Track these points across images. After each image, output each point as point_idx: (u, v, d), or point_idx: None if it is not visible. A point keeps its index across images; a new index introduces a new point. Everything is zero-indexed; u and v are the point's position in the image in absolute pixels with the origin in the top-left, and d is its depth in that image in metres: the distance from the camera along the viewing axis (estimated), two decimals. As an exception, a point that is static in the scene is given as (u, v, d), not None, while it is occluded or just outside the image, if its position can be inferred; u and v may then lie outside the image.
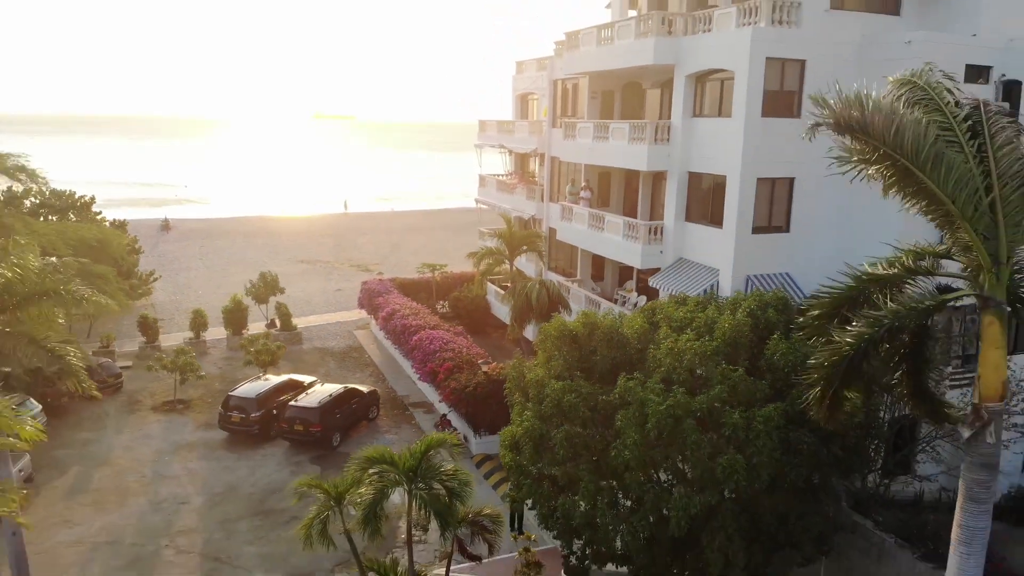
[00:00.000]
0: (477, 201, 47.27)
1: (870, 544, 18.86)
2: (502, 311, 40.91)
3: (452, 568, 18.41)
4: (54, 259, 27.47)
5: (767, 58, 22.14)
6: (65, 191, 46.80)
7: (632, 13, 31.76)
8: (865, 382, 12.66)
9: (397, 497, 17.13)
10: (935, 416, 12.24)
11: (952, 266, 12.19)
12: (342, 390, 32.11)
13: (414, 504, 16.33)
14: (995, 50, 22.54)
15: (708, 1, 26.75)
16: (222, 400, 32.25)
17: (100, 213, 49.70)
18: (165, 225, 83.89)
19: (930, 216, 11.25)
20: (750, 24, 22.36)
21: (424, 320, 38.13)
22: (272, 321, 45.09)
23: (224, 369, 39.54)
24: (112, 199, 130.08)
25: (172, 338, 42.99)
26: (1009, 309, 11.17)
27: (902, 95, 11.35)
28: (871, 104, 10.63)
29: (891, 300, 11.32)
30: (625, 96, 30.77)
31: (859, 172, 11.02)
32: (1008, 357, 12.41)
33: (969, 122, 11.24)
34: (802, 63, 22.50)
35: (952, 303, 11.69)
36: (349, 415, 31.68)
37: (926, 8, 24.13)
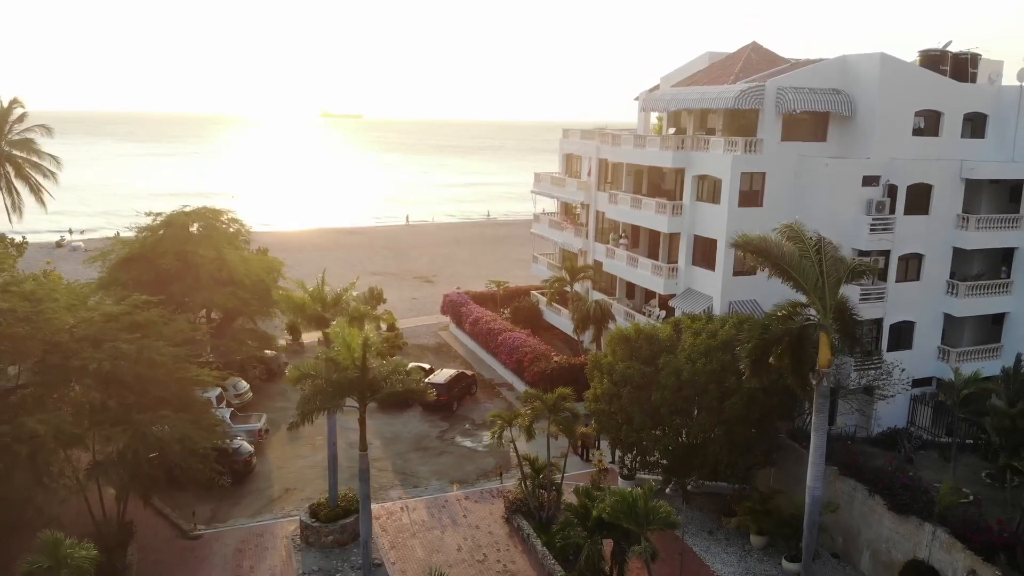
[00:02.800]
0: (532, 234, 61.75)
1: (798, 457, 33.44)
2: (552, 317, 55.75)
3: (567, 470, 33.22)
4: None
5: (742, 172, 36.87)
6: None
7: (653, 117, 46.46)
8: (776, 362, 27.17)
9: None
10: (801, 382, 26.79)
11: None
12: (456, 372, 46.93)
13: (552, 424, 31.08)
14: (881, 165, 37.18)
15: (707, 123, 41.45)
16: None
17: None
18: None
19: (794, 287, 25.91)
20: (732, 151, 37.10)
21: (502, 325, 52.93)
22: (378, 324, 59.85)
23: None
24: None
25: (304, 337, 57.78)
26: (833, 328, 25.80)
27: (786, 233, 26.02)
28: (767, 240, 25.34)
29: (780, 324, 25.96)
30: (650, 175, 45.46)
31: (763, 268, 25.72)
32: (883, 350, 27.22)
33: (816, 246, 25.89)
34: (764, 174, 37.21)
35: (808, 324, 26.28)
36: (462, 389, 46.51)
37: (842, 138, 38.68)
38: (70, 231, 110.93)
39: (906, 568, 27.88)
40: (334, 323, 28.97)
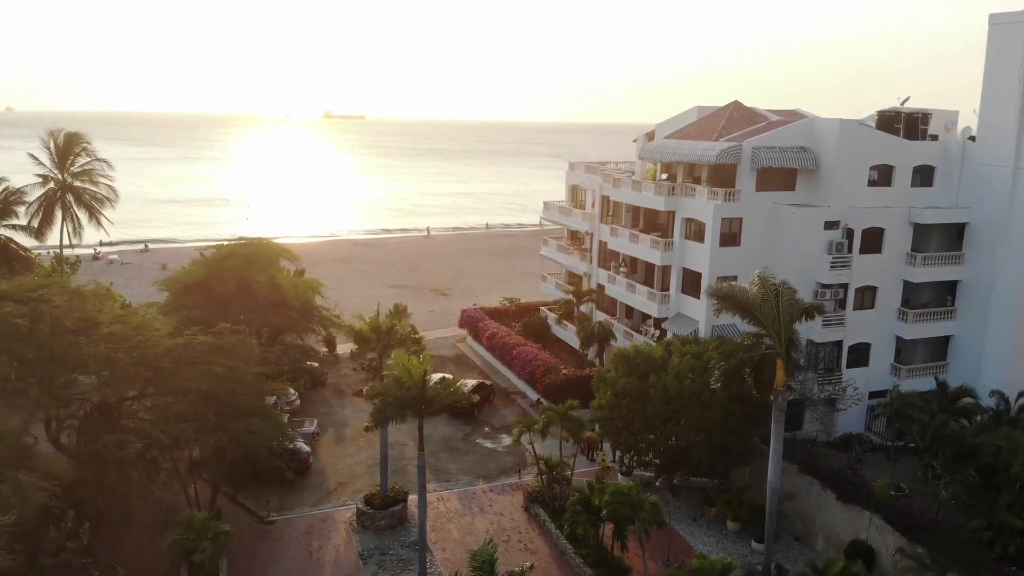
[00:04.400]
0: (542, 255, 68.59)
1: (767, 458, 40.17)
2: (559, 332, 62.63)
3: (575, 467, 40.13)
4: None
5: (722, 217, 43.77)
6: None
7: (648, 163, 53.38)
8: (741, 382, 34.02)
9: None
10: (764, 395, 33.64)
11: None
12: (477, 382, 53.80)
13: (563, 428, 37.97)
14: (841, 212, 44.04)
15: (695, 171, 48.30)
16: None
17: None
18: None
19: (754, 325, 32.74)
20: (714, 199, 43.99)
21: (516, 340, 59.82)
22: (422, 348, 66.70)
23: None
24: (195, 220, 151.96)
25: (338, 349, 64.61)
26: (784, 356, 32.64)
27: (755, 283, 32.90)
28: (736, 288, 32.23)
29: (745, 352, 32.79)
30: (646, 213, 52.26)
31: (728, 311, 32.64)
32: (843, 368, 34.47)
33: (776, 291, 32.75)
34: (741, 218, 44.09)
35: (768, 352, 33.11)
36: (483, 397, 53.37)
37: (808, 188, 45.43)
38: (101, 243, 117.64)
39: (849, 547, 34.71)
40: (394, 352, 35.69)
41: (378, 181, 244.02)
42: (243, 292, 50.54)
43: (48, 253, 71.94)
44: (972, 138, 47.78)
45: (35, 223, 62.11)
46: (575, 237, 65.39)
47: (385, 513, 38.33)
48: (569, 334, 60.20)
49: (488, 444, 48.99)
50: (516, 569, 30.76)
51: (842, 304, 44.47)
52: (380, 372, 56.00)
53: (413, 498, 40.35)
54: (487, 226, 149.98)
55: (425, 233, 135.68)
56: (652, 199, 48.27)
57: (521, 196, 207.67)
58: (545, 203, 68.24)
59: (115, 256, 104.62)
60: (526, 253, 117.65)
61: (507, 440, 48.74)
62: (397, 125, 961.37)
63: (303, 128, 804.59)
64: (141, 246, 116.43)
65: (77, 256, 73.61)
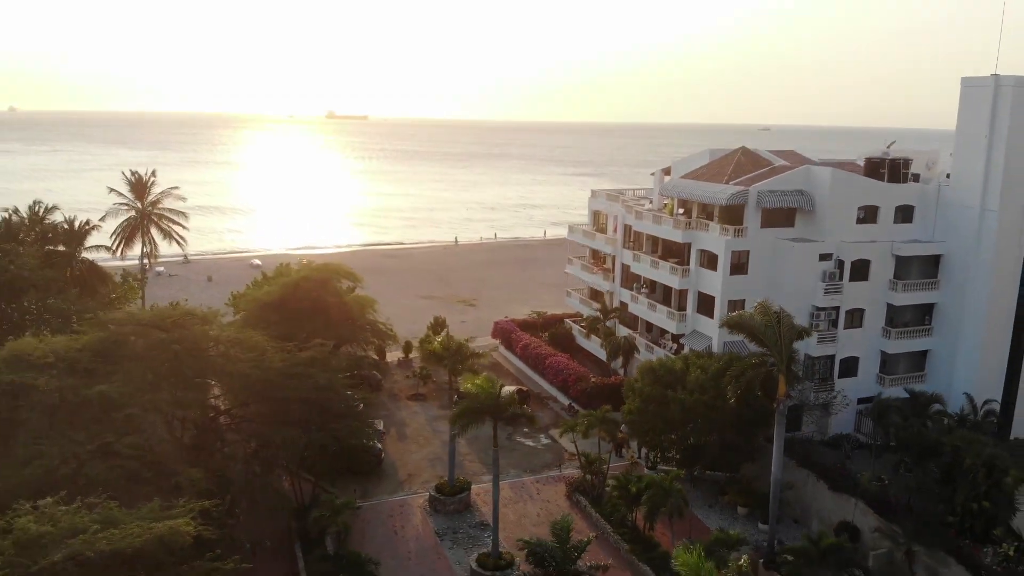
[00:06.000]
0: (567, 272, 76.43)
1: (771, 454, 48.00)
2: (583, 342, 70.37)
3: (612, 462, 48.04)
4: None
5: (732, 250, 51.60)
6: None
7: (666, 197, 61.20)
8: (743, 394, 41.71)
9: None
10: (769, 403, 41.43)
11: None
12: (516, 388, 61.37)
13: (601, 429, 45.82)
14: (833, 246, 51.82)
15: (708, 208, 56.05)
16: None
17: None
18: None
19: (759, 346, 40.55)
20: (725, 235, 51.81)
21: (547, 350, 67.61)
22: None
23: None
24: (215, 229, 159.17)
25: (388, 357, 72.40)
26: (786, 371, 40.43)
27: (758, 310, 40.70)
28: (745, 315, 40.05)
29: (753, 369, 40.58)
30: (665, 241, 60.10)
31: (739, 335, 40.43)
32: (836, 378, 42.68)
33: (777, 318, 40.52)
34: (748, 251, 51.93)
35: (772, 368, 40.89)
36: (522, 401, 61.10)
37: (805, 225, 53.11)
38: (144, 254, 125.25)
39: (838, 526, 42.50)
40: (468, 375, 43.51)
41: (390, 188, 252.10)
42: (317, 310, 58.32)
43: (121, 270, 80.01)
44: (948, 175, 55.72)
45: (116, 244, 70.57)
46: (597, 257, 73.14)
47: (453, 499, 46.15)
48: (594, 345, 67.93)
49: (528, 443, 56.76)
50: (584, 539, 38.68)
51: (834, 323, 52.25)
52: (430, 379, 64.12)
53: (475, 488, 48.33)
54: (495, 236, 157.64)
55: (453, 242, 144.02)
56: (671, 232, 56.11)
57: (531, 208, 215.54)
58: (570, 226, 76.15)
59: (162, 268, 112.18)
60: (542, 263, 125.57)
61: (544, 439, 56.68)
62: (399, 125, 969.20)
63: (307, 128, 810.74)
64: (182, 257, 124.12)
65: (143, 269, 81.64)
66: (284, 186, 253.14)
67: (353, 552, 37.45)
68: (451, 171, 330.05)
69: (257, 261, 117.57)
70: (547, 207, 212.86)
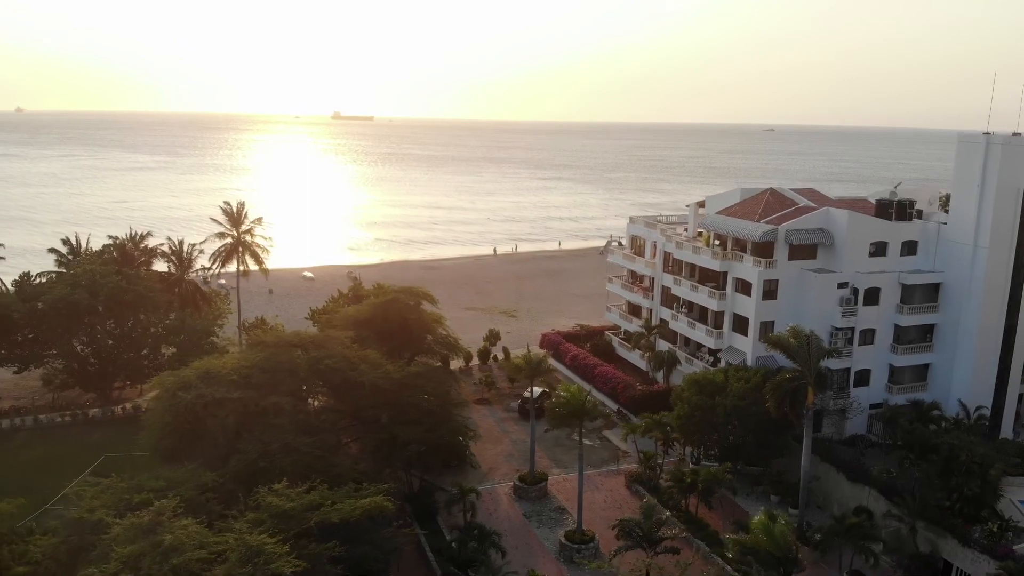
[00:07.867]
0: (608, 290, 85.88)
1: (797, 451, 57.38)
2: (623, 353, 79.76)
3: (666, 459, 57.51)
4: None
5: (764, 279, 61.02)
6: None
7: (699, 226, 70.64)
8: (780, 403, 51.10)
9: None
10: (799, 411, 50.83)
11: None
12: (541, 390, 70.86)
13: (658, 430, 55.21)
14: (849, 276, 61.20)
15: (740, 242, 65.42)
16: (520, 399, 70.93)
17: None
18: (350, 274, 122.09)
19: (792, 362, 49.98)
20: (758, 266, 61.23)
21: (595, 360, 76.99)
22: (494, 356, 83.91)
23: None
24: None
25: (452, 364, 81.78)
26: (814, 383, 49.80)
27: (791, 332, 50.12)
28: (783, 337, 49.53)
29: (788, 383, 49.95)
30: (702, 268, 69.50)
31: (777, 352, 49.87)
32: (851, 387, 52.50)
33: (807, 339, 49.93)
34: (777, 280, 61.35)
35: (803, 382, 50.27)
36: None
37: (826, 258, 62.49)
38: (203, 268, 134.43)
39: (856, 510, 51.85)
40: (563, 384, 52.84)
41: (411, 199, 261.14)
42: (402, 327, 67.73)
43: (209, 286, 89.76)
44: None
45: (215, 266, 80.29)
46: (635, 276, 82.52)
47: (534, 488, 55.59)
48: (634, 356, 77.29)
49: (586, 441, 65.95)
50: (662, 516, 48.00)
51: (850, 341, 61.65)
52: (493, 386, 73.56)
53: (552, 478, 57.77)
54: (514, 248, 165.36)
55: (492, 253, 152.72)
56: (710, 261, 65.57)
57: (544, 216, 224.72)
58: (611, 249, 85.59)
59: (223, 281, 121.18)
60: (569, 276, 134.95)
61: (598, 440, 66.08)
62: (403, 125, 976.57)
63: (313, 128, 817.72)
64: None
65: (226, 291, 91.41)
66: (307, 194, 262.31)
67: (480, 524, 46.95)
68: (464, 178, 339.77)
69: (309, 273, 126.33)
70: (562, 218, 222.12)
